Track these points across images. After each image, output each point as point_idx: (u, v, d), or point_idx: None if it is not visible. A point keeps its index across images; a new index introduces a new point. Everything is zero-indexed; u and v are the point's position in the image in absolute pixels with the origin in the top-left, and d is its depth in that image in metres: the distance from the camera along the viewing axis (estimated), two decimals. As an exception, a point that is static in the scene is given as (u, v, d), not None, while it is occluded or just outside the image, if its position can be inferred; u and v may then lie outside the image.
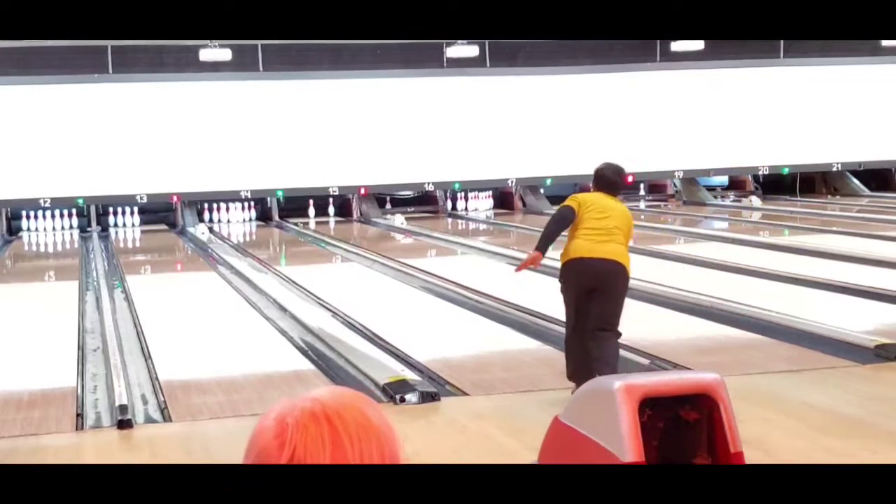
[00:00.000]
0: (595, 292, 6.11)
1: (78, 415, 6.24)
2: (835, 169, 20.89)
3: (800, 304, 8.89)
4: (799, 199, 20.53)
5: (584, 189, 20.52)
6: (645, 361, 7.02)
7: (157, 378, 7.01)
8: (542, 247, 6.31)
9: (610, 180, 6.41)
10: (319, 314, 9.30)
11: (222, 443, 5.44)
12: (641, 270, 10.69)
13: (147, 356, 7.71)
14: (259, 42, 18.23)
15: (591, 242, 6.13)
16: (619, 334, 6.20)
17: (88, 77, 17.97)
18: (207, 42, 16.77)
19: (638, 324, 8.12)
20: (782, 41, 19.70)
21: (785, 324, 8.03)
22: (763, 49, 20.05)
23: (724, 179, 21.75)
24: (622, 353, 6.84)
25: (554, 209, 22.01)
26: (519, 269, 6.80)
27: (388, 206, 19.99)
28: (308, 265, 14.54)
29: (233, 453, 1.50)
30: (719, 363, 6.85)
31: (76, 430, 5.98)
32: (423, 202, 20.35)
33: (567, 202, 6.37)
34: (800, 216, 17.66)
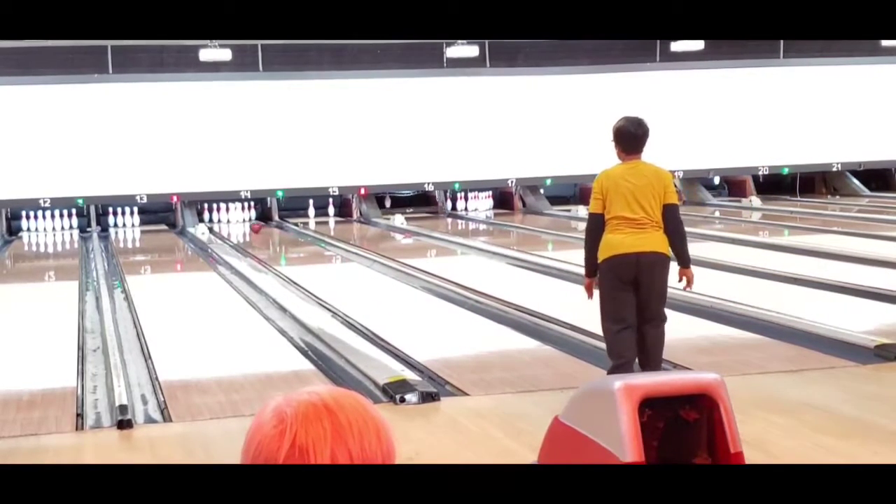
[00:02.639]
0: (637, 286, 5.99)
1: (78, 415, 6.24)
2: (835, 169, 20.88)
3: (800, 304, 8.90)
4: (799, 199, 20.53)
5: (585, 190, 20.60)
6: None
7: (157, 378, 7.02)
8: (590, 271, 6.18)
9: (632, 134, 6.15)
10: (319, 314, 9.30)
11: (222, 443, 5.44)
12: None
13: (147, 356, 7.71)
14: (259, 42, 18.23)
15: (622, 235, 5.99)
16: (664, 320, 6.12)
17: (88, 77, 17.98)
18: (207, 42, 16.76)
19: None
20: (782, 41, 19.70)
21: (785, 324, 8.03)
22: (763, 49, 20.05)
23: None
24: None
25: (554, 210, 21.85)
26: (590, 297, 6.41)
27: (388, 203, 19.99)
28: (308, 265, 14.54)
29: (233, 453, 1.50)
30: (719, 363, 6.86)
31: (76, 430, 5.99)
32: (423, 202, 20.34)
33: (592, 198, 6.19)
34: (800, 216, 17.66)
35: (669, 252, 6.06)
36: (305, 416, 1.41)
